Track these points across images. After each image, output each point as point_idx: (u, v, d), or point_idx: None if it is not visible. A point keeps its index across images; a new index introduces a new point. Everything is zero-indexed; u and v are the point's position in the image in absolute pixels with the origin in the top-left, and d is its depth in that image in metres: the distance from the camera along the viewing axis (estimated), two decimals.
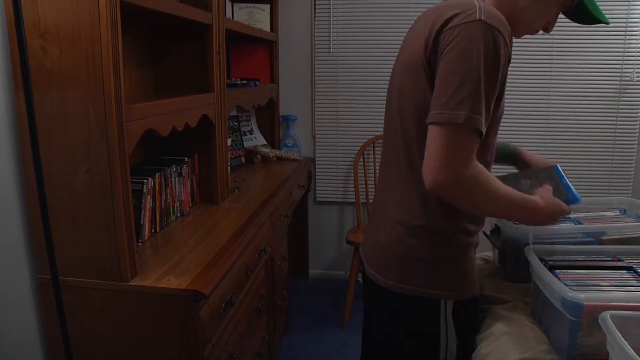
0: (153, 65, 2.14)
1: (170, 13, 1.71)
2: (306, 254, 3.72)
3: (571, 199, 1.34)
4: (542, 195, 1.28)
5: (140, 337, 1.49)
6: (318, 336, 3.01)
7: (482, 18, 1.09)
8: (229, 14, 2.99)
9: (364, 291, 1.49)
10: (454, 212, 1.26)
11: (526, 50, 3.26)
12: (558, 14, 1.33)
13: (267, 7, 3.26)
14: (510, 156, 1.64)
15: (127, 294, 1.47)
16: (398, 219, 1.32)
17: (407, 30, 1.36)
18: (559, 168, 1.52)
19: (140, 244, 1.76)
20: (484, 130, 1.11)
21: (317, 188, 3.63)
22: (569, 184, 1.42)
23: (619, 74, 3.26)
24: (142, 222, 1.77)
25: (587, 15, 1.35)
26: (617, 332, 0.87)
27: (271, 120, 3.46)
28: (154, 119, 1.61)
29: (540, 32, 1.35)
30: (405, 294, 1.30)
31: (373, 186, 3.45)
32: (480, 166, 1.14)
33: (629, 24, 3.17)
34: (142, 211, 1.78)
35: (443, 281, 1.29)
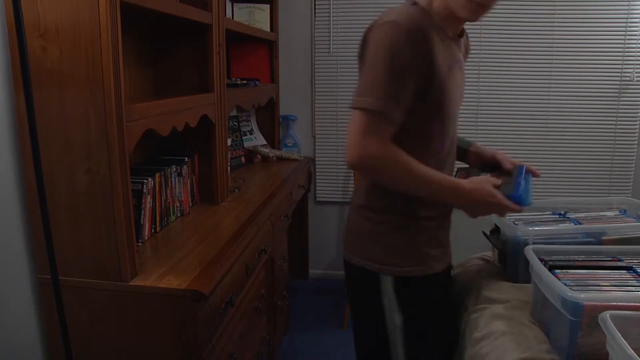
0: (153, 65, 2.14)
1: (171, 13, 1.71)
2: (306, 254, 3.72)
3: (513, 195, 1.34)
4: (472, 180, 1.35)
5: (140, 337, 1.49)
6: (318, 336, 3.01)
7: (392, 19, 1.25)
8: (228, 14, 2.99)
9: None
10: (377, 193, 1.40)
11: (526, 50, 3.26)
12: None
13: (267, 7, 3.26)
14: (459, 150, 1.62)
15: (127, 294, 1.47)
16: (354, 199, 1.51)
17: None
18: (524, 168, 1.54)
19: (140, 244, 1.76)
20: (392, 114, 1.23)
21: (317, 188, 3.63)
22: (524, 184, 1.44)
23: (619, 74, 3.26)
24: (142, 222, 1.77)
25: None
26: (617, 332, 0.87)
27: (271, 120, 3.46)
28: (154, 119, 1.61)
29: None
30: (354, 264, 1.46)
31: None
32: (394, 148, 1.25)
33: (629, 24, 3.17)
34: (142, 211, 1.78)
35: (381, 256, 1.41)
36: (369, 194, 1.43)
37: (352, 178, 3.46)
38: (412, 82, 1.24)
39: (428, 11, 1.31)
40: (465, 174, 1.52)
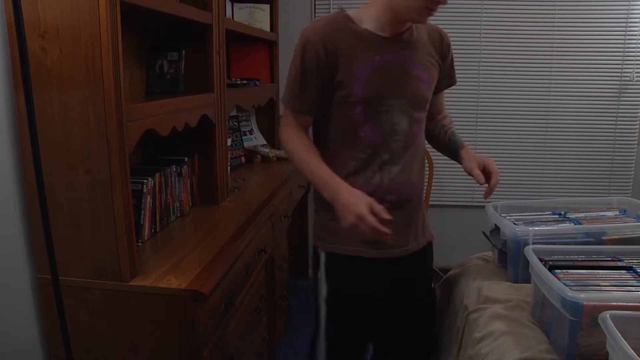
0: (153, 65, 2.14)
1: (171, 13, 1.71)
2: (306, 254, 3.71)
3: None
4: (355, 193, 1.41)
5: (140, 337, 1.49)
6: None
7: (303, 29, 1.48)
8: (229, 14, 2.99)
9: None
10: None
11: (526, 50, 3.26)
12: None
13: (267, 7, 3.25)
14: (453, 153, 1.66)
15: (127, 294, 1.47)
16: None
17: None
18: None
19: (140, 244, 1.76)
20: (297, 106, 1.53)
21: None
22: None
23: (619, 74, 3.26)
24: (142, 222, 1.77)
25: None
26: (617, 332, 0.87)
27: (271, 120, 3.46)
28: (154, 119, 1.61)
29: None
30: (314, 245, 1.64)
31: None
32: (291, 134, 1.54)
33: (629, 24, 3.17)
34: (142, 211, 1.77)
35: (318, 233, 1.61)
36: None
37: None
38: (315, 79, 1.46)
39: (351, 17, 1.48)
40: None
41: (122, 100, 1.39)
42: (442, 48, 1.60)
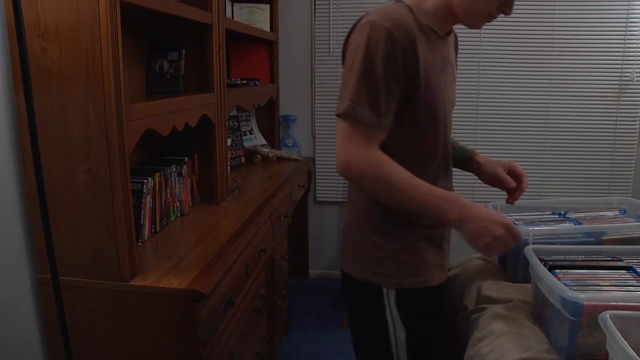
0: (153, 64, 2.14)
1: (170, 13, 1.71)
2: (306, 254, 3.72)
3: None
4: (478, 205, 1.21)
5: (141, 336, 1.49)
6: (318, 336, 3.01)
7: (373, 19, 1.19)
8: (228, 13, 2.99)
9: None
10: (372, 201, 1.33)
11: (526, 50, 3.26)
12: None
13: (267, 7, 3.26)
14: (464, 159, 1.57)
15: (127, 293, 1.47)
16: (350, 206, 1.42)
17: None
18: None
19: (140, 243, 1.76)
20: (371, 119, 1.18)
21: (317, 188, 3.63)
22: None
23: (619, 74, 3.26)
24: (142, 222, 1.77)
25: None
26: (617, 332, 0.87)
27: (271, 120, 3.46)
28: (154, 118, 1.61)
29: (501, 15, 1.29)
30: (354, 277, 1.38)
31: None
32: (381, 155, 1.20)
33: (629, 24, 3.17)
34: (142, 211, 1.78)
35: (383, 268, 1.33)
36: (370, 202, 1.34)
37: None
38: (395, 84, 1.19)
39: (413, 9, 1.26)
40: None
41: (122, 100, 1.39)
42: (457, 50, 1.53)
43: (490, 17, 1.27)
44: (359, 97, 1.17)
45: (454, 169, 1.51)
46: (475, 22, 1.29)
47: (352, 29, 1.27)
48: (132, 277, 1.49)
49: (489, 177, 1.52)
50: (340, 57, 1.35)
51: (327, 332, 3.05)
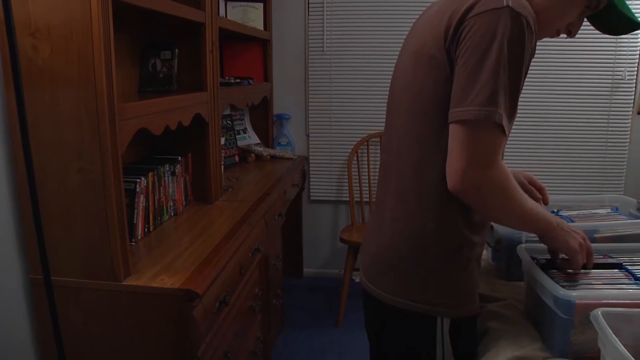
0: (146, 63, 2.13)
1: (163, 11, 1.70)
2: (300, 253, 3.72)
3: None
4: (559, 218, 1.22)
5: (134, 336, 1.49)
6: (313, 335, 3.01)
7: (510, 4, 1.01)
8: (222, 12, 2.98)
9: (363, 300, 1.38)
10: (452, 221, 1.17)
11: None
12: (583, 16, 1.19)
13: (260, 5, 3.25)
14: None
15: (120, 293, 1.47)
16: (394, 225, 1.23)
17: (402, 28, 1.33)
18: None
19: (133, 243, 1.75)
20: (507, 127, 1.04)
21: (311, 187, 3.63)
22: None
23: (611, 73, 3.27)
24: (135, 222, 1.77)
25: (615, 20, 1.21)
26: (609, 328, 0.87)
27: (265, 119, 3.46)
28: (147, 117, 1.60)
29: (563, 35, 1.22)
30: (399, 307, 1.21)
31: (367, 185, 3.45)
32: (507, 169, 1.07)
33: None
34: (135, 210, 1.77)
35: (438, 296, 1.19)
36: (429, 222, 1.18)
37: (346, 177, 3.46)
38: (522, 84, 1.07)
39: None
40: None
41: (115, 99, 1.38)
42: None
43: (556, 32, 1.19)
44: (502, 102, 1.01)
45: None
46: (541, 30, 1.16)
47: (472, 5, 1.05)
48: (125, 277, 1.48)
49: None
50: (442, 46, 1.10)
51: (322, 331, 3.06)
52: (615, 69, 3.26)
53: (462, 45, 1.05)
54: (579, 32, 1.22)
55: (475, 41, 1.02)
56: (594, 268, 1.28)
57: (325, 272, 3.76)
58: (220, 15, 2.79)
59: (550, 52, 3.26)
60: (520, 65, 1.03)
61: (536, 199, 1.44)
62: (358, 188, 3.39)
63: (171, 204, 2.04)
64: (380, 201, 1.31)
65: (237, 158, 3.16)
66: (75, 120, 1.37)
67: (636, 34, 3.21)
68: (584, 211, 1.69)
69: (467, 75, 1.03)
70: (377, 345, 1.35)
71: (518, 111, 1.12)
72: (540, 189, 1.47)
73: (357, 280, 1.41)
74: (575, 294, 1.09)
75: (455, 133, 1.05)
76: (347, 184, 3.47)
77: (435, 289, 1.19)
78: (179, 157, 2.11)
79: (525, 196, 1.13)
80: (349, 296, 3.10)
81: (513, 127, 1.13)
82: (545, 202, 1.46)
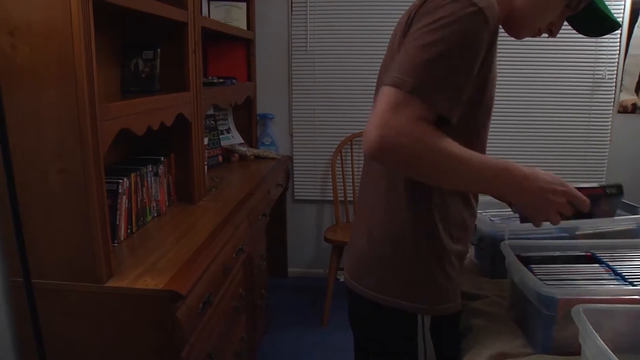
0: (128, 63, 2.11)
1: (144, 11, 1.69)
2: (285, 253, 3.71)
3: None
4: (535, 173, 1.07)
5: (117, 338, 1.47)
6: (298, 334, 3.01)
7: None
8: (205, 12, 2.97)
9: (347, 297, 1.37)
10: (428, 220, 1.17)
11: (500, 49, 3.29)
12: (564, 16, 1.19)
13: (243, 5, 3.24)
14: None
15: (103, 295, 1.45)
16: (374, 223, 1.23)
17: (385, 27, 1.33)
18: None
19: (116, 244, 1.74)
20: (437, 106, 0.98)
21: (295, 186, 3.62)
22: None
23: (592, 72, 3.31)
24: (117, 223, 1.75)
25: (594, 21, 1.21)
26: (589, 324, 0.88)
27: (248, 118, 3.45)
28: (129, 118, 1.59)
29: (544, 35, 1.23)
30: (381, 304, 1.21)
31: (351, 184, 3.46)
32: (430, 130, 0.97)
33: None
34: (118, 211, 1.75)
35: (418, 293, 1.20)
36: (406, 218, 1.18)
37: (330, 176, 3.46)
38: (474, 70, 1.02)
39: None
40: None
41: (96, 99, 1.37)
42: None
43: (538, 32, 1.19)
44: (423, 70, 0.97)
45: None
46: (522, 29, 1.18)
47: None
48: (108, 279, 1.47)
49: None
50: (402, 32, 1.10)
51: (307, 330, 3.05)
52: (596, 68, 3.30)
53: (411, 30, 1.05)
54: (561, 32, 1.23)
55: (422, 22, 1.03)
56: (575, 264, 1.29)
57: (310, 272, 3.76)
58: (203, 14, 2.77)
59: (532, 52, 3.29)
60: (463, 52, 0.99)
61: None
62: (342, 187, 3.40)
63: (154, 205, 2.03)
64: (362, 200, 1.31)
65: (220, 158, 3.14)
66: (56, 120, 1.36)
67: (616, 34, 3.25)
68: None
69: (405, 49, 1.02)
70: (360, 342, 1.35)
71: (501, 110, 1.13)
72: None
73: (342, 279, 1.41)
74: (558, 291, 1.10)
75: (380, 95, 1.01)
76: (331, 184, 3.47)
77: (415, 286, 1.20)
78: (162, 158, 2.09)
79: (474, 154, 1.01)
80: (334, 295, 3.10)
81: (495, 125, 1.14)
82: None
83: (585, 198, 1.06)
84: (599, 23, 1.22)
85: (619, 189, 1.08)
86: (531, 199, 1.05)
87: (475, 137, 1.17)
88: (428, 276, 1.19)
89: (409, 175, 1.12)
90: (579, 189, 1.09)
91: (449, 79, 0.99)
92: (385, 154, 0.97)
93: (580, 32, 1.27)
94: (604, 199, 1.12)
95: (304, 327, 3.10)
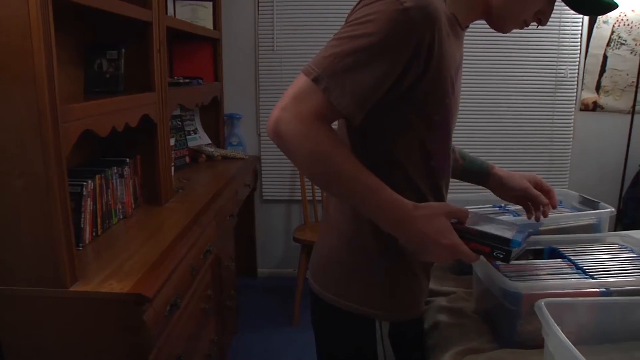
0: (92, 64, 2.08)
1: (107, 10, 1.66)
2: (254, 253, 3.70)
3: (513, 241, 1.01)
4: (426, 205, 1.02)
5: (83, 344, 1.45)
6: (268, 334, 3.00)
7: None
8: (170, 11, 2.93)
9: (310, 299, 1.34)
10: None
11: (466, 48, 3.33)
12: (553, 2, 1.13)
13: (210, 4, 3.22)
14: (479, 173, 1.46)
15: (67, 300, 1.42)
16: (337, 228, 1.20)
17: None
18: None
19: (80, 248, 1.70)
20: (337, 103, 0.95)
21: (264, 186, 3.61)
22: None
23: (554, 71, 3.38)
24: (82, 226, 1.72)
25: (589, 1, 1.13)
26: (551, 318, 0.90)
27: (215, 119, 3.43)
28: (92, 119, 1.56)
29: (533, 24, 1.17)
30: (341, 308, 1.18)
31: None
32: (323, 129, 0.95)
33: (562, 23, 3.29)
34: (83, 214, 1.72)
35: (377, 300, 1.17)
36: (364, 222, 1.14)
37: (298, 176, 3.46)
38: (395, 69, 0.97)
39: None
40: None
41: (57, 100, 1.34)
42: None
43: (524, 23, 1.14)
44: (332, 61, 0.95)
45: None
46: (506, 23, 1.14)
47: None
48: (72, 283, 1.44)
49: (514, 193, 1.40)
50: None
51: (277, 330, 3.05)
52: (558, 67, 3.37)
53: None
54: (524, 31, 1.20)
55: (348, 20, 1.02)
56: (539, 259, 1.32)
57: (280, 272, 3.76)
58: (169, 14, 2.74)
59: (495, 51, 3.35)
60: (385, 49, 0.95)
61: (543, 203, 1.37)
62: (310, 187, 3.40)
63: (120, 207, 2.00)
64: (327, 202, 1.30)
65: (188, 159, 3.11)
66: (15, 122, 1.32)
67: (576, 33, 3.33)
68: None
69: (327, 44, 1.00)
70: (320, 344, 1.33)
71: (466, 109, 1.12)
72: (547, 192, 1.40)
73: None
74: (522, 286, 1.12)
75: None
76: (299, 183, 3.47)
77: (373, 293, 1.17)
78: (127, 159, 2.06)
79: (363, 174, 0.98)
80: (304, 295, 3.10)
81: (460, 124, 1.13)
82: (553, 206, 1.40)
83: (471, 254, 0.99)
84: (592, 2, 1.13)
85: (506, 257, 0.99)
86: (413, 241, 1.00)
87: (435, 137, 1.13)
88: (387, 284, 1.16)
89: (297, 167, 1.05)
90: (474, 235, 1.01)
91: (355, 76, 0.95)
92: (275, 136, 0.96)
93: (576, 11, 1.17)
94: (488, 258, 1.04)
95: (274, 327, 3.09)
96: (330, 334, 1.27)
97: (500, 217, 1.63)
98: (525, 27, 1.16)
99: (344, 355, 1.26)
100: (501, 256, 1.00)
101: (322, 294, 1.22)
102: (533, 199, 1.38)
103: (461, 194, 1.66)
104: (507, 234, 1.01)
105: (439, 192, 1.20)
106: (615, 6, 1.13)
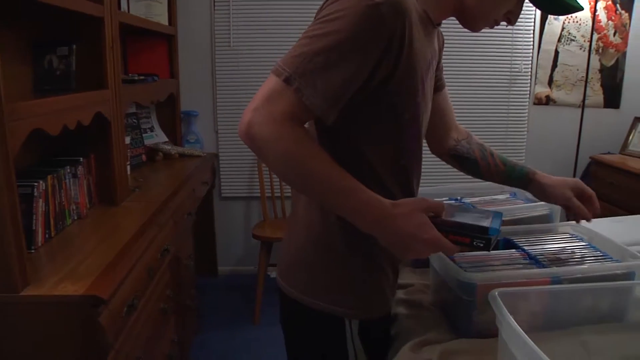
0: (41, 61, 2.02)
1: (55, 4, 1.61)
2: (214, 251, 3.67)
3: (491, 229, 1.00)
4: (402, 203, 1.00)
5: (38, 349, 1.40)
6: (230, 333, 2.98)
7: None
8: (124, 7, 2.87)
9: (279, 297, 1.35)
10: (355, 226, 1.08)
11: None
12: (521, 2, 1.15)
13: (164, 0, 3.16)
14: (521, 180, 1.45)
15: (17, 305, 1.38)
16: (304, 226, 1.19)
17: (307, 23, 1.24)
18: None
19: (33, 251, 1.65)
20: (309, 103, 0.93)
21: (222, 184, 3.58)
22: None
23: (509, 66, 3.45)
24: (34, 228, 1.67)
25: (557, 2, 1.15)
26: (504, 307, 0.92)
27: (172, 116, 3.38)
28: (42, 118, 1.52)
29: (503, 23, 1.18)
30: (310, 307, 1.17)
31: (278, 180, 3.45)
32: (295, 130, 0.94)
33: None
34: (34, 216, 1.67)
35: (346, 298, 1.16)
36: (330, 219, 1.13)
37: (257, 172, 3.45)
38: (366, 67, 0.96)
39: None
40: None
41: (3, 98, 1.30)
42: (442, 49, 1.37)
43: (494, 22, 1.15)
44: (303, 59, 0.94)
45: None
46: (477, 22, 1.14)
47: None
48: (23, 288, 1.39)
49: (556, 202, 1.40)
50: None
51: (239, 329, 3.04)
52: (513, 61, 3.45)
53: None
54: None
55: (317, 17, 1.00)
56: (493, 250, 1.34)
57: (240, 269, 3.74)
58: (123, 9, 2.68)
59: (452, 46, 3.38)
60: (352, 45, 0.94)
61: (585, 217, 1.37)
62: (269, 183, 3.39)
63: (74, 207, 1.95)
64: (295, 201, 1.27)
65: (144, 157, 3.06)
66: None
67: (529, 29, 3.40)
68: (485, 197, 1.78)
69: (297, 43, 0.98)
70: (289, 342, 1.32)
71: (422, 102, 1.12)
72: (588, 199, 1.38)
73: (273, 275, 1.39)
74: (477, 277, 1.14)
75: None
76: (258, 180, 3.45)
77: (341, 291, 1.16)
78: (81, 158, 2.01)
79: (337, 174, 0.96)
80: (265, 292, 3.09)
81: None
82: (595, 214, 1.38)
83: (452, 246, 0.98)
84: (558, 3, 1.15)
85: (486, 245, 0.99)
86: (394, 240, 0.98)
87: (405, 136, 1.13)
88: (355, 282, 1.16)
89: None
90: (452, 227, 1.00)
91: (326, 75, 0.94)
92: (248, 139, 0.94)
93: (543, 11, 1.19)
94: (469, 249, 1.05)
95: (235, 325, 3.08)
96: (299, 333, 1.26)
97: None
98: (496, 27, 1.17)
99: (314, 354, 1.25)
100: (481, 245, 1.00)
101: (291, 293, 1.20)
102: (575, 211, 1.37)
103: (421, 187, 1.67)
104: (484, 223, 1.01)
105: (409, 190, 1.19)
106: (580, 8, 1.15)
